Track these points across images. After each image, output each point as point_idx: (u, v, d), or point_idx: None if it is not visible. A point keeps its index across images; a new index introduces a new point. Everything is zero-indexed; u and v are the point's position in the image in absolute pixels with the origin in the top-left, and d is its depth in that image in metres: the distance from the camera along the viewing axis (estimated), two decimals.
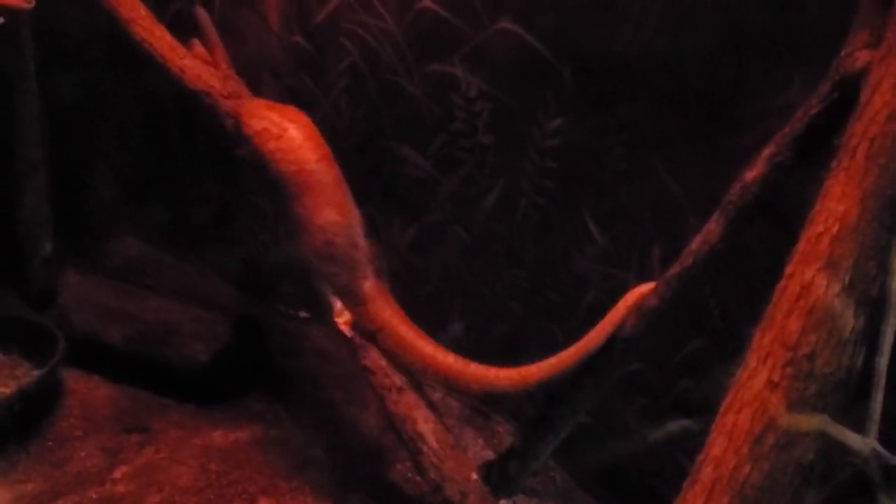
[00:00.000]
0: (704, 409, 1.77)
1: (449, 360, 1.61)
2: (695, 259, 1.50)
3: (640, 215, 1.78)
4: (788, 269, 1.06)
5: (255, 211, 2.27)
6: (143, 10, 1.93)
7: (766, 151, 1.43)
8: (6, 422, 1.90)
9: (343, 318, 1.66)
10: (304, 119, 1.67)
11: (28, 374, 2.07)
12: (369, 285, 1.61)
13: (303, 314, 2.31)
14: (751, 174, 1.44)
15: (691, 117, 1.69)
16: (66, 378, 2.13)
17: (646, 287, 1.52)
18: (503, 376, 1.60)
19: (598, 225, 1.83)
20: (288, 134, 1.62)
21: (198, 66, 1.88)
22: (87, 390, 2.13)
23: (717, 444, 1.01)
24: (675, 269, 1.53)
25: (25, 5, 1.87)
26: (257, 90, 1.85)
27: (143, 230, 2.42)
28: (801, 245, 1.07)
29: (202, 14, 2.01)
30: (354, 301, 1.61)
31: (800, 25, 1.53)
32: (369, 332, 1.62)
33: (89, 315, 2.18)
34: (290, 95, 2.09)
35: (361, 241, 1.62)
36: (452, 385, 1.63)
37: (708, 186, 1.70)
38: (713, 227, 1.49)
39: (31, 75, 2.04)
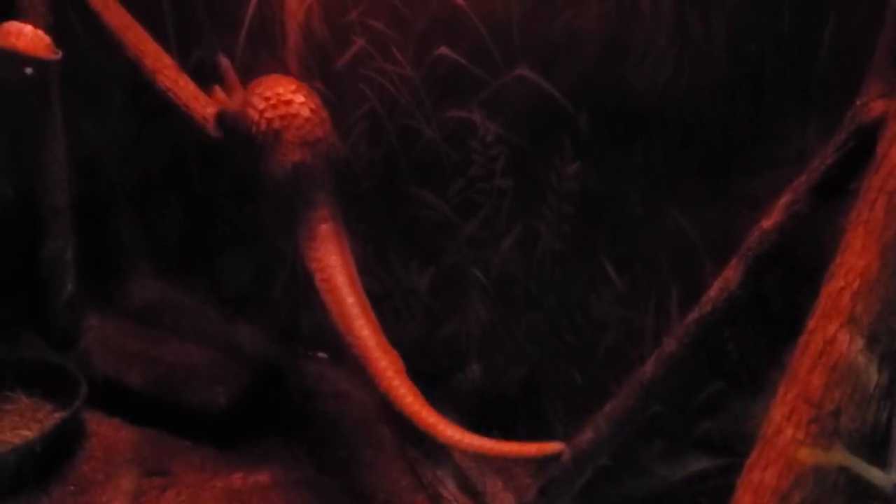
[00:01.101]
0: (724, 451, 1.78)
1: (365, 334, 1.57)
2: (714, 305, 1.51)
3: (657, 259, 1.80)
4: (810, 324, 1.07)
5: (275, 253, 2.29)
6: (167, 60, 1.98)
7: (784, 200, 1.44)
8: (28, 465, 1.91)
9: None
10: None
11: (50, 417, 2.09)
12: (326, 227, 1.64)
13: (321, 355, 2.32)
14: (768, 222, 1.46)
15: (707, 163, 1.71)
16: (87, 420, 2.15)
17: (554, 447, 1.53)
18: (395, 387, 1.54)
19: (615, 268, 1.84)
20: (271, 81, 1.77)
21: None
22: (108, 433, 2.14)
23: (743, 502, 1.01)
24: (694, 315, 1.55)
25: (53, 56, 1.92)
26: None
27: (164, 272, 2.45)
28: (823, 300, 1.08)
29: (224, 62, 2.06)
30: (308, 236, 1.64)
31: (814, 73, 1.56)
32: (310, 271, 1.63)
33: (110, 357, 2.21)
34: None
35: (325, 184, 1.67)
36: (353, 360, 1.60)
37: (724, 231, 1.72)
38: (731, 274, 1.50)
39: (58, 123, 2.08)
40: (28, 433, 2.02)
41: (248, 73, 1.98)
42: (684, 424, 1.80)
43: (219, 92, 2.02)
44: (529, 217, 1.92)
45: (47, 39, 1.92)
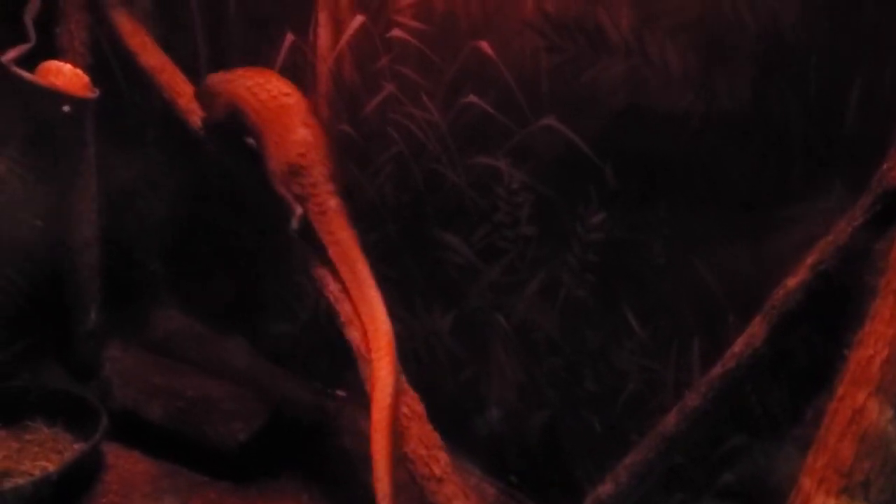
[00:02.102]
0: (746, 503, 1.77)
1: (377, 299, 1.62)
2: (738, 361, 1.52)
3: (679, 311, 1.81)
4: (839, 391, 1.08)
5: (297, 289, 2.32)
6: None
7: (810, 259, 1.46)
8: (46, 497, 1.92)
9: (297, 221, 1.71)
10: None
11: (69, 448, 2.10)
12: (335, 202, 1.69)
13: (340, 393, 2.33)
14: (794, 280, 1.48)
15: (732, 217, 1.72)
16: (106, 452, 2.16)
17: None
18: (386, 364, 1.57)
19: (637, 318, 1.85)
20: (263, 73, 1.85)
21: None
22: (126, 465, 2.15)
23: None
24: (717, 370, 1.56)
25: (90, 95, 1.97)
26: None
27: (186, 304, 2.48)
28: (851, 367, 1.09)
29: None
30: (319, 210, 1.69)
31: (840, 135, 1.58)
32: (322, 243, 1.69)
33: (131, 389, 2.22)
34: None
35: (329, 162, 1.74)
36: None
37: (748, 284, 1.73)
38: (756, 331, 1.51)
39: (91, 158, 2.13)
40: (48, 464, 2.03)
41: None
42: (705, 476, 1.80)
43: None
44: (553, 265, 1.94)
45: (85, 78, 1.98)
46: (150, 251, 2.48)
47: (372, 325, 1.62)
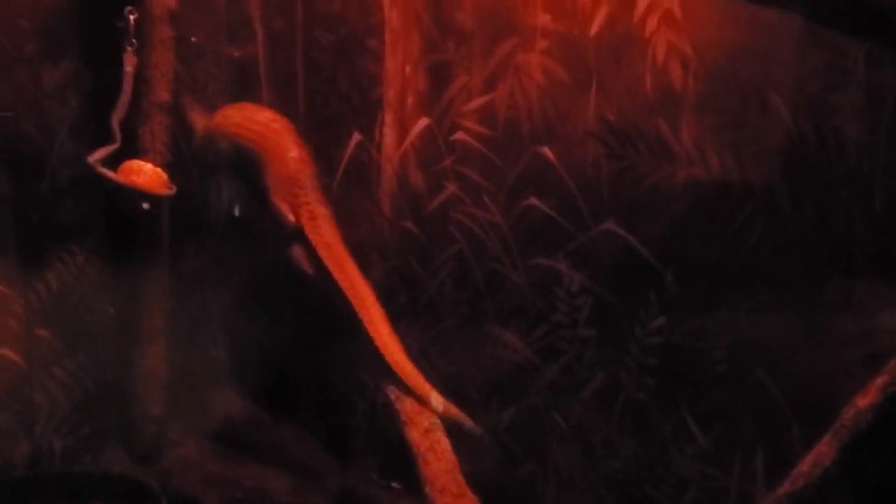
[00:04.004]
0: None
1: (364, 288, 1.88)
2: (806, 481, 1.50)
3: (742, 418, 1.79)
4: None
5: (356, 381, 2.35)
6: None
7: (880, 380, 1.45)
8: None
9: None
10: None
11: None
12: (324, 210, 1.94)
13: (395, 485, 2.34)
14: (864, 401, 1.46)
15: (795, 328, 1.72)
16: None
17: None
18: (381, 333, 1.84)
19: (698, 424, 1.84)
20: (242, 108, 2.10)
21: None
22: None
23: None
24: (785, 489, 1.54)
25: (168, 192, 2.06)
26: (365, 269, 1.98)
27: (245, 391, 2.52)
28: None
29: None
30: (310, 216, 1.92)
31: None
32: (314, 245, 1.91)
33: (190, 477, 2.26)
34: (397, 276, 2.21)
35: (316, 176, 1.98)
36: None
37: (812, 395, 1.72)
38: (825, 450, 1.49)
39: (165, 252, 2.21)
40: None
41: (342, 210, 2.09)
42: None
43: None
44: (612, 367, 1.94)
45: (164, 177, 2.06)
46: (213, 337, 2.55)
47: (360, 303, 1.86)
